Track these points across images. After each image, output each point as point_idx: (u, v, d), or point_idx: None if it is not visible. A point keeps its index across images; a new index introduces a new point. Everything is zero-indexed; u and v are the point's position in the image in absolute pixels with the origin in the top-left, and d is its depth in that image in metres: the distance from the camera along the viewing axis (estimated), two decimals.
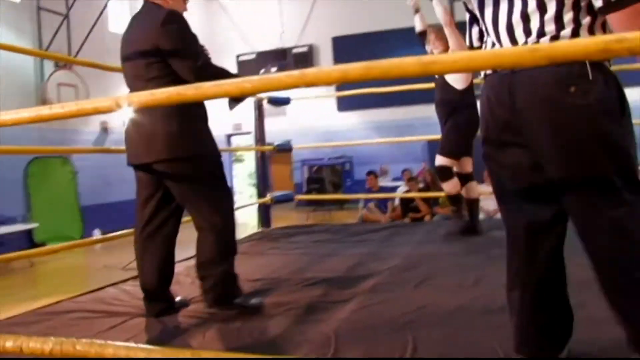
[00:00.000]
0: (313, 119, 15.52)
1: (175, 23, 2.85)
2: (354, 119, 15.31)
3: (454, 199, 4.71)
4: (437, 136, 4.77)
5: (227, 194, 3.01)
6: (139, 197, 2.99)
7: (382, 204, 8.62)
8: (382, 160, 13.95)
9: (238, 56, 16.43)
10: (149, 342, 2.46)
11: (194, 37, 2.91)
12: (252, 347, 2.29)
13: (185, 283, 3.48)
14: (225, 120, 17.41)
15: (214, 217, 2.84)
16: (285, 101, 5.96)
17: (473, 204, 4.65)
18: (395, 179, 12.48)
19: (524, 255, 1.79)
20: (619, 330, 1.64)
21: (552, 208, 1.72)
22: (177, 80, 2.64)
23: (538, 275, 1.78)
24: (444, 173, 4.58)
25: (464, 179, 4.59)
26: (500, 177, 1.83)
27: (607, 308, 1.64)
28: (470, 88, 4.46)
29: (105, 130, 12.56)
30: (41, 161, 10.81)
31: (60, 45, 11.20)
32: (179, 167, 2.81)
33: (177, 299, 3.02)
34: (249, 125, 17.84)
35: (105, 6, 11.63)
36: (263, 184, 5.97)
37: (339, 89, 14.14)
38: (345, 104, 15.21)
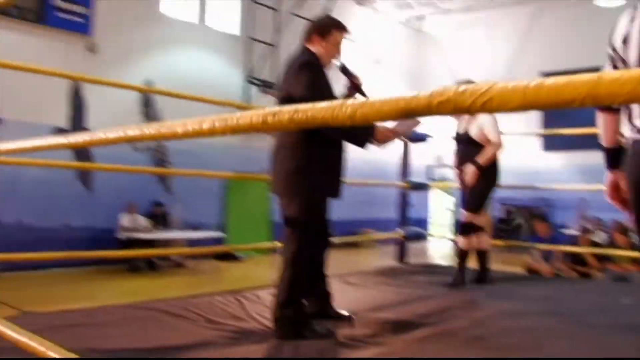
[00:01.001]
0: (515, 156, 14.82)
1: (308, 70, 2.97)
2: (559, 160, 14.35)
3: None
4: None
5: None
6: None
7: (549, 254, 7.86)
8: (587, 206, 12.81)
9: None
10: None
11: (325, 86, 2.99)
12: None
13: None
14: (426, 153, 17.45)
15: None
16: (421, 138, 5.73)
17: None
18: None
19: None
20: None
21: None
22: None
23: None
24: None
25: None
26: None
27: None
28: None
29: None
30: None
31: (267, 72, 12.14)
32: None
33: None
34: (450, 158, 17.71)
35: None
36: (402, 217, 5.81)
37: (546, 127, 13.52)
38: (550, 144, 14.33)
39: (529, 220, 13.56)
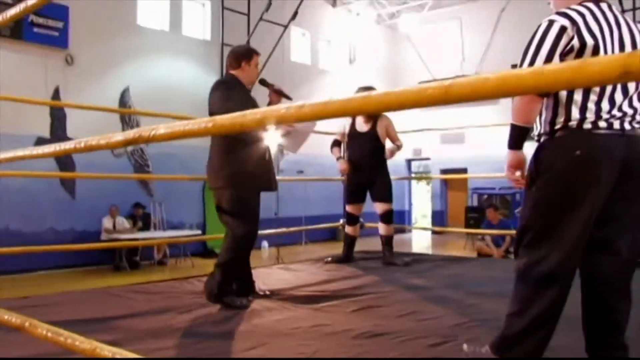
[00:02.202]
0: (489, 147, 15.36)
1: (220, 89, 3.72)
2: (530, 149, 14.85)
3: None
4: None
5: None
6: None
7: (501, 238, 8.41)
8: None
9: (420, 83, 16.78)
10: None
11: (242, 99, 3.61)
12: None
13: None
14: (406, 146, 17.95)
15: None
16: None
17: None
18: None
19: None
20: None
21: None
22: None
23: None
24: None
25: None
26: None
27: None
28: None
29: (281, 151, 13.66)
30: None
31: None
32: None
33: None
34: (428, 151, 18.15)
35: (281, 37, 12.75)
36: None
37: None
38: None
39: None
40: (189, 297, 3.75)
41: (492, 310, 3.12)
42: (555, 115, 2.21)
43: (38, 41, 9.75)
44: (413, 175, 18.99)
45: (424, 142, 17.48)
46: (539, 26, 2.27)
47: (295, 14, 12.40)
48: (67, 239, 9.88)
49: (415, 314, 3.13)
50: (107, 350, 1.68)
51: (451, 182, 17.87)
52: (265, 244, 13.03)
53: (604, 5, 2.28)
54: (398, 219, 18.46)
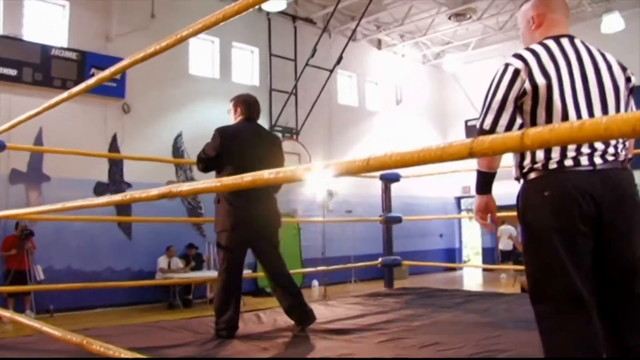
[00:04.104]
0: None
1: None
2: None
3: None
4: None
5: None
6: None
7: None
8: None
9: (467, 121, 16.96)
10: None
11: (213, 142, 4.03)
12: None
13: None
14: (455, 184, 18.05)
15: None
16: (395, 178, 6.38)
17: None
18: None
19: None
20: None
21: None
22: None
23: None
24: None
25: None
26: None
27: None
28: None
29: (330, 194, 13.88)
30: None
31: (287, 119, 13.15)
32: None
33: None
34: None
35: (327, 80, 13.20)
36: (387, 248, 6.51)
37: None
38: None
39: None
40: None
41: (509, 342, 3.29)
42: (522, 158, 2.22)
43: (98, 92, 10.42)
44: (463, 212, 18.96)
45: (473, 180, 17.46)
46: (497, 70, 2.27)
47: (340, 58, 12.86)
48: (124, 278, 10.38)
49: (437, 345, 3.31)
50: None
51: (504, 218, 17.74)
52: (315, 282, 13.32)
53: (564, 41, 2.25)
54: (448, 257, 18.45)
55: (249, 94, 4.46)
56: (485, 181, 2.37)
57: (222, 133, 4.03)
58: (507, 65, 2.21)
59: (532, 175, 2.19)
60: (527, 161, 2.19)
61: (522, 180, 2.25)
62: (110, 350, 2.24)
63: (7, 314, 3.42)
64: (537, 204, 2.15)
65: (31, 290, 9.06)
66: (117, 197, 2.24)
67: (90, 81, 2.88)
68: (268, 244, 4.07)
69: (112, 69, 2.63)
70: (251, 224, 3.93)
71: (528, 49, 2.25)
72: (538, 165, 2.15)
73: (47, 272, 9.64)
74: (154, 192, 1.96)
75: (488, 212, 2.41)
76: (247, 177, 1.60)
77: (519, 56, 2.21)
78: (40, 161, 10.04)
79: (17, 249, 9.24)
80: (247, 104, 4.26)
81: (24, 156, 9.86)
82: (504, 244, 14.43)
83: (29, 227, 9.37)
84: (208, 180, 1.75)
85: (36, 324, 2.96)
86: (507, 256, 14.29)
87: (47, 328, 2.81)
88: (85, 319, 8.99)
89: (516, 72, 2.18)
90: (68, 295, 9.30)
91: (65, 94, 3.08)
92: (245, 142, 4.05)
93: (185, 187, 1.85)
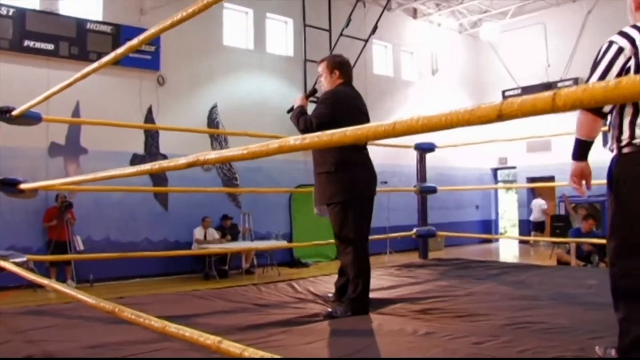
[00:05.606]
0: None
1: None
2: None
3: None
4: None
5: None
6: None
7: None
8: None
9: (504, 92, 16.61)
10: None
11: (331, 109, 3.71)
12: None
13: None
14: (491, 155, 17.78)
15: None
16: (430, 147, 6.26)
17: None
18: None
19: None
20: None
21: None
22: None
23: None
24: None
25: None
26: None
27: None
28: None
29: None
30: (305, 187, 12.56)
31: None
32: None
33: None
34: (514, 159, 17.86)
35: (362, 50, 13.05)
36: (421, 218, 6.43)
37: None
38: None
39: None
40: (263, 300, 4.03)
41: (543, 314, 3.26)
42: (620, 132, 2.31)
43: (133, 65, 10.49)
44: (499, 184, 18.71)
45: (509, 151, 17.24)
46: (600, 47, 2.33)
47: (375, 27, 12.68)
48: (160, 249, 10.55)
49: (471, 316, 3.26)
50: (173, 327, 2.08)
51: (538, 190, 17.47)
52: None
53: None
54: (484, 229, 18.26)
55: (339, 54, 4.13)
56: (583, 149, 2.45)
57: (338, 100, 3.77)
58: (610, 43, 2.28)
59: (627, 150, 2.30)
60: (625, 135, 2.30)
61: (615, 152, 2.36)
62: (140, 318, 2.26)
63: (47, 282, 3.48)
64: (632, 176, 2.28)
65: (71, 260, 9.28)
66: (146, 167, 2.22)
67: (119, 50, 2.81)
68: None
69: (141, 36, 2.56)
70: (374, 183, 3.92)
71: (635, 26, 2.28)
72: (637, 141, 2.26)
73: (87, 242, 9.86)
74: (182, 160, 1.96)
75: (583, 178, 2.50)
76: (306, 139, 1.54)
77: (624, 34, 2.27)
78: (78, 134, 10.18)
79: (58, 220, 9.46)
80: (345, 67, 3.94)
81: (62, 130, 10.01)
82: (536, 216, 15.08)
83: (68, 198, 9.56)
84: (235, 149, 1.72)
85: (72, 292, 3.01)
86: (538, 227, 14.96)
87: (82, 296, 2.85)
88: (123, 289, 9.18)
89: (619, 50, 2.24)
90: (107, 265, 9.47)
91: (95, 64, 3.05)
92: (357, 109, 3.92)
93: (213, 155, 1.84)
